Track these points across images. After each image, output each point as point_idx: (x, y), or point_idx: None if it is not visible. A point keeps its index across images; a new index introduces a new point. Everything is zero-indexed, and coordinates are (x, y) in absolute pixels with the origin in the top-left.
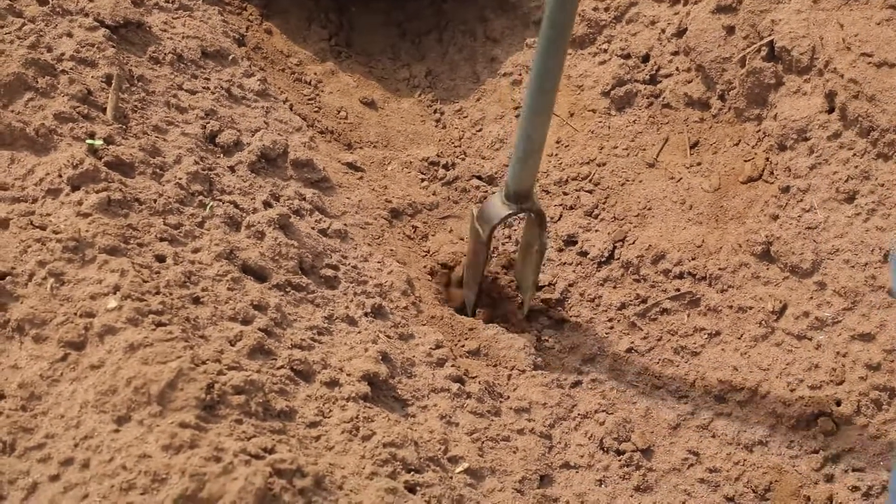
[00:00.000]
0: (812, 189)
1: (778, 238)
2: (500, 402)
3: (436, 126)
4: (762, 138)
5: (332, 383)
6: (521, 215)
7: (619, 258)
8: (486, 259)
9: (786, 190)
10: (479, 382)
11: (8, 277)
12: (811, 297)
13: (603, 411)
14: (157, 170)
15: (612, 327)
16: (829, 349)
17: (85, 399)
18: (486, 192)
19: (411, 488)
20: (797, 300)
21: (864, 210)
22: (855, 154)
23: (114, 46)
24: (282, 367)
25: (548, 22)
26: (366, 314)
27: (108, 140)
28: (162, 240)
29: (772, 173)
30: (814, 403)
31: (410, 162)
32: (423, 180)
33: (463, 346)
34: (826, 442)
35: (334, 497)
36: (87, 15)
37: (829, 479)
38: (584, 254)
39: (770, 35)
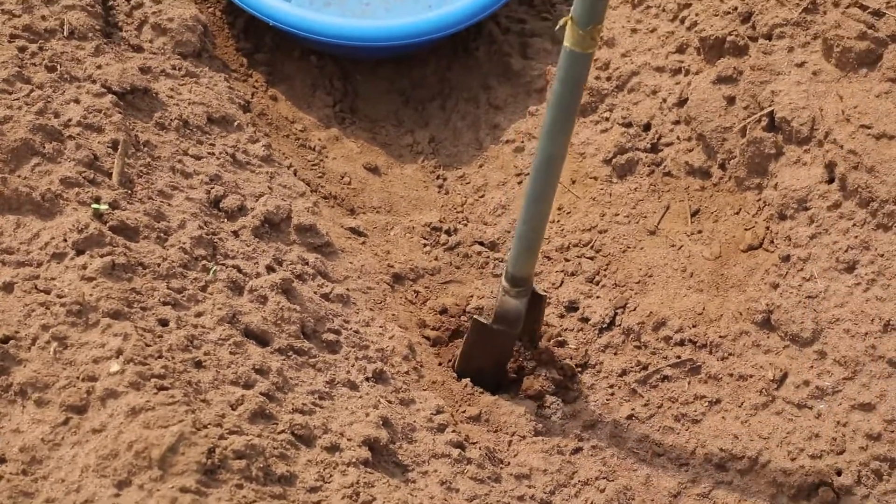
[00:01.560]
0: (812, 258)
1: (778, 307)
2: (501, 468)
3: (438, 192)
4: (762, 207)
5: (333, 448)
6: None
7: (620, 325)
8: (509, 357)
9: (786, 259)
10: (480, 448)
11: (11, 341)
12: (811, 366)
13: (603, 478)
14: (162, 234)
15: (612, 394)
16: (829, 418)
17: (86, 463)
18: (489, 257)
19: None
20: (797, 369)
21: (864, 280)
22: (855, 224)
23: (120, 112)
24: (283, 431)
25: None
26: (367, 379)
27: (114, 205)
28: (165, 304)
29: (772, 242)
30: (814, 473)
31: (413, 227)
32: (425, 245)
33: (464, 411)
34: None
35: None
36: (94, 81)
37: None
38: (585, 320)
39: (770, 105)
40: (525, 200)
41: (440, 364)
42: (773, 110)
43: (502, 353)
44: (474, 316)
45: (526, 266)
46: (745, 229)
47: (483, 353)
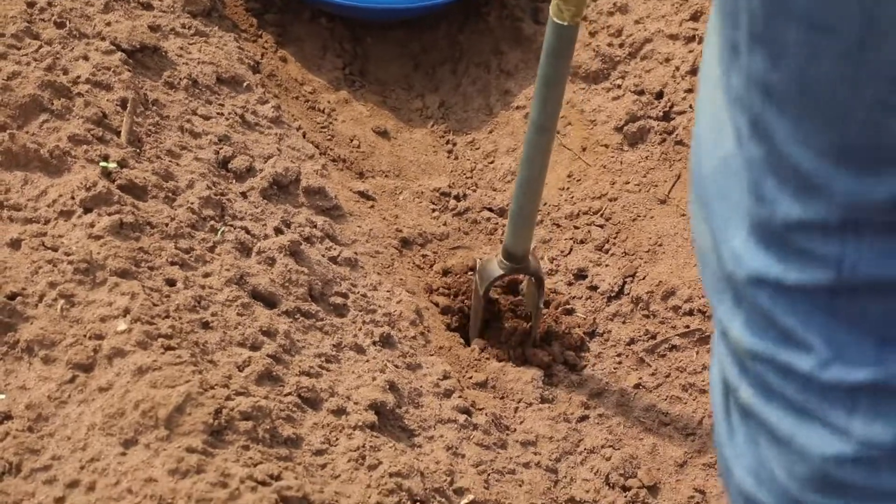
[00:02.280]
0: None
1: None
2: (507, 434)
3: (448, 157)
4: None
5: (340, 411)
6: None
7: (628, 293)
8: (483, 314)
9: None
10: (486, 414)
11: (18, 298)
12: None
13: (609, 447)
14: (170, 194)
15: (620, 363)
16: None
17: (92, 421)
18: (497, 223)
19: None
20: None
21: None
22: None
23: (129, 70)
24: (289, 393)
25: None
26: (374, 343)
27: (122, 163)
28: (173, 264)
29: None
30: None
31: (422, 192)
32: (434, 210)
33: (470, 377)
34: None
35: None
36: (103, 38)
37: None
38: (593, 288)
39: None
40: (518, 178)
41: (448, 327)
42: None
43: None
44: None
45: (522, 242)
46: None
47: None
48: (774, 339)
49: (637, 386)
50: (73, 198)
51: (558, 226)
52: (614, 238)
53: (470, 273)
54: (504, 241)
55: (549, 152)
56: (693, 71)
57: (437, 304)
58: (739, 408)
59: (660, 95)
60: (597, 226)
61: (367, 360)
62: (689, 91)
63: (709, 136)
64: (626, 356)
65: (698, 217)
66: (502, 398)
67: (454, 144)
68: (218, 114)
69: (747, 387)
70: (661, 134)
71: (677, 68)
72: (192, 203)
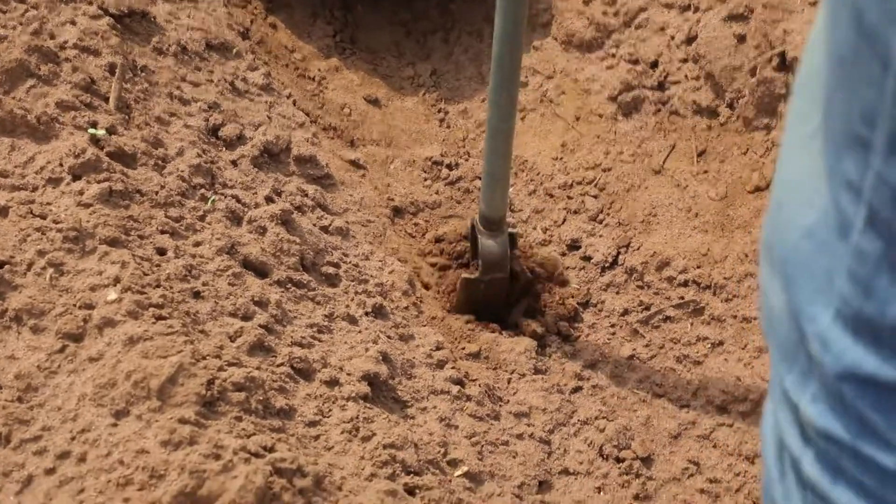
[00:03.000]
0: None
1: None
2: (500, 405)
3: (440, 126)
4: (770, 148)
5: (332, 382)
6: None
7: (622, 264)
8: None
9: None
10: (480, 385)
11: (6, 266)
12: None
13: (603, 418)
14: (160, 161)
15: (614, 333)
16: None
17: (83, 392)
18: None
19: (411, 491)
20: None
21: None
22: None
23: (118, 36)
24: (282, 364)
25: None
26: (366, 313)
27: (111, 130)
28: (163, 232)
29: None
30: None
31: (414, 161)
32: (426, 179)
33: (463, 348)
34: None
35: (334, 498)
36: (91, 3)
37: None
38: (587, 258)
39: (782, 45)
40: (486, 135)
41: (439, 292)
42: (784, 50)
43: (496, 295)
44: (463, 275)
45: (497, 206)
46: (752, 170)
47: (479, 302)
48: (853, 429)
49: (631, 357)
50: (61, 165)
51: (551, 196)
52: (608, 208)
53: (464, 240)
54: (484, 209)
55: (514, 116)
56: (688, 40)
57: (434, 266)
58: (797, 474)
59: (655, 65)
60: (591, 196)
61: (360, 331)
62: (684, 61)
63: (792, 197)
64: (620, 327)
65: (772, 278)
66: (495, 369)
67: (446, 113)
68: (207, 80)
69: (813, 461)
70: (655, 104)
71: (672, 38)
72: (181, 171)
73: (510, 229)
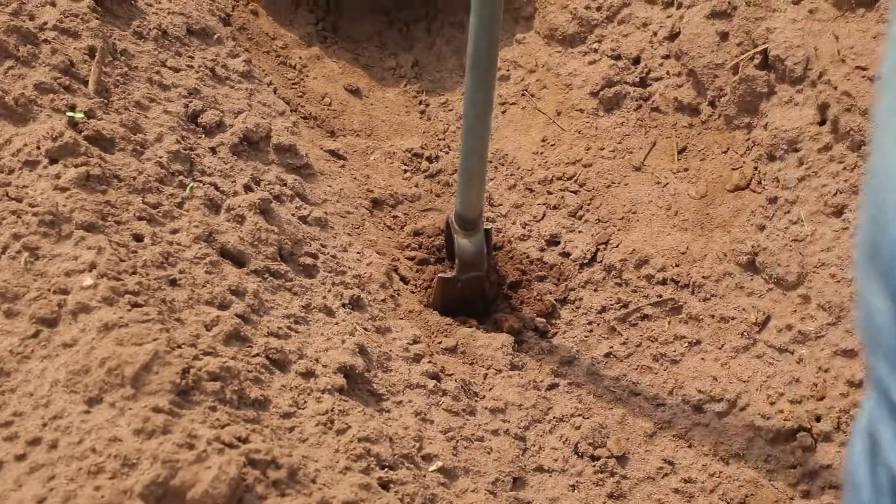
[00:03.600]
0: (800, 201)
1: (764, 249)
2: (476, 401)
3: (420, 117)
4: (751, 147)
5: (308, 374)
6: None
7: (601, 261)
8: (482, 293)
9: (773, 200)
10: (456, 380)
11: None
12: (795, 311)
13: (579, 416)
14: (138, 147)
15: (591, 331)
16: (811, 364)
17: (55, 378)
18: None
19: (384, 485)
20: (780, 312)
21: (852, 224)
22: (845, 168)
23: (98, 18)
24: (257, 354)
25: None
26: (343, 305)
27: (89, 114)
28: (140, 219)
29: (759, 183)
30: (793, 418)
31: (394, 153)
32: (405, 171)
33: (440, 342)
34: (804, 457)
35: (308, 490)
36: None
37: (806, 495)
38: (566, 255)
39: (764, 43)
40: (462, 134)
41: (417, 286)
42: (766, 48)
43: (474, 293)
44: (439, 275)
45: (473, 205)
46: (733, 169)
47: (457, 300)
48: None
49: (608, 355)
50: (38, 148)
51: (531, 190)
52: (588, 204)
53: (442, 235)
54: (460, 209)
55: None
56: (671, 36)
57: (412, 259)
58: (889, 473)
59: (637, 61)
60: (570, 192)
61: (337, 323)
62: (667, 57)
63: None
64: (598, 324)
65: (874, 280)
66: (472, 364)
67: (427, 105)
68: (188, 66)
69: None
70: (637, 100)
71: (655, 34)
72: (160, 157)
73: (486, 225)
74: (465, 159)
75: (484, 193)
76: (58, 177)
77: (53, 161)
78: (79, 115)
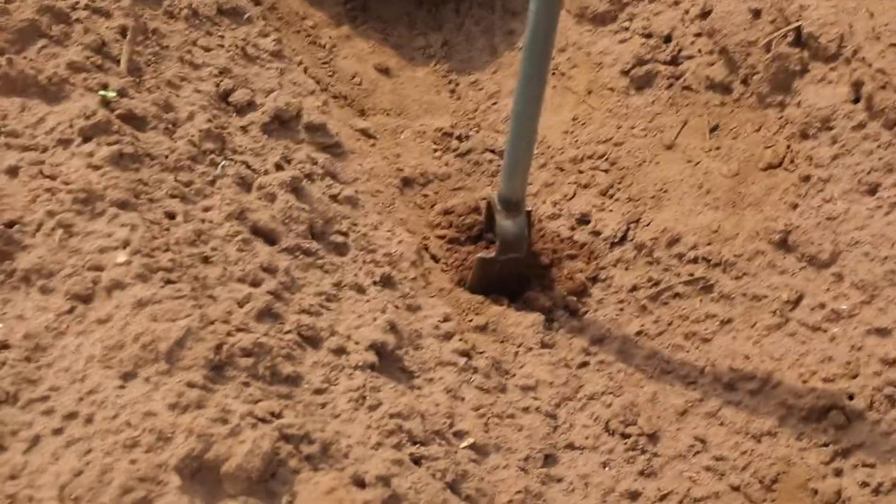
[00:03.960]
0: (833, 179)
1: (797, 227)
2: (507, 378)
3: (450, 97)
4: (784, 125)
5: (340, 351)
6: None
7: (632, 239)
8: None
9: (806, 179)
10: (486, 358)
11: (16, 226)
12: (828, 289)
13: (610, 393)
14: (170, 125)
15: (622, 309)
16: (843, 342)
17: (91, 353)
18: (500, 165)
19: (416, 460)
20: (813, 291)
21: (886, 203)
22: (879, 146)
23: None
24: (289, 331)
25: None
26: (374, 283)
27: (121, 92)
28: (173, 196)
29: (792, 161)
30: (826, 396)
31: (424, 132)
32: (435, 151)
33: (471, 320)
34: (837, 436)
35: (340, 465)
36: None
37: (839, 473)
38: (596, 233)
39: (798, 20)
40: (511, 118)
41: (448, 265)
42: (800, 25)
43: (511, 274)
44: (479, 255)
45: (517, 188)
46: (766, 147)
47: (495, 281)
48: None
49: (639, 333)
50: (71, 126)
51: (562, 169)
52: (619, 183)
53: (473, 213)
54: (504, 191)
55: (544, 87)
56: (703, 14)
57: (443, 238)
58: None
59: (668, 39)
60: (601, 170)
61: (368, 300)
62: (698, 35)
63: None
64: (629, 303)
65: None
66: (502, 342)
67: (457, 84)
68: (218, 45)
69: None
70: (668, 78)
71: (687, 12)
72: (192, 135)
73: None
74: (512, 144)
75: (528, 176)
76: (91, 155)
77: (87, 139)
78: (111, 94)
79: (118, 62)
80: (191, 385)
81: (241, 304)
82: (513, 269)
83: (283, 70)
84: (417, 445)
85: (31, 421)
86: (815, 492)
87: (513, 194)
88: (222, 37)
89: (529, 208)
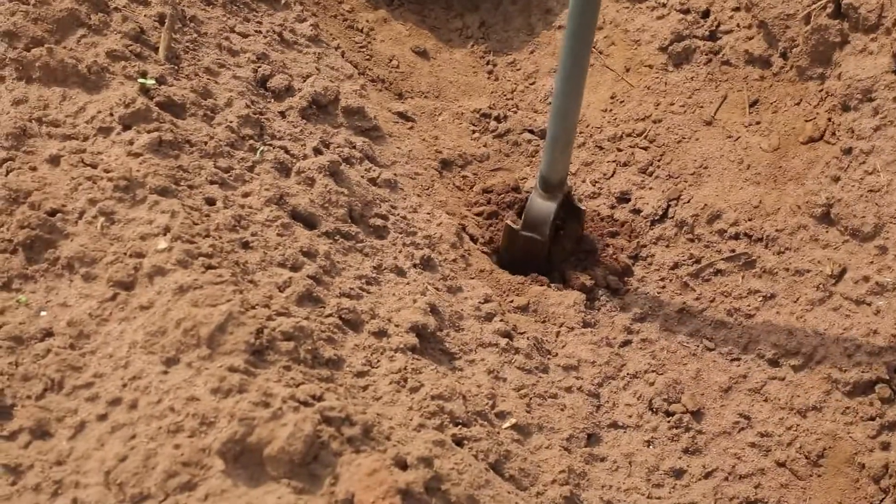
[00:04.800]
0: (875, 151)
1: (839, 200)
2: (549, 358)
3: (488, 78)
4: (825, 98)
5: (381, 333)
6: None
7: (673, 217)
8: (546, 254)
9: (848, 151)
10: (528, 338)
11: (58, 214)
12: (871, 262)
13: (653, 371)
14: (209, 112)
15: (664, 287)
16: (888, 315)
17: (134, 339)
18: (539, 145)
19: (458, 442)
20: (857, 264)
21: None
22: None
23: None
24: (330, 315)
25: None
26: (414, 265)
27: (160, 80)
28: (212, 183)
29: (833, 134)
30: (871, 370)
31: (462, 113)
32: (474, 132)
33: (512, 301)
34: (882, 409)
35: (382, 447)
36: None
37: (886, 447)
38: (637, 211)
39: None
40: (554, 98)
41: (486, 240)
42: None
43: (532, 254)
44: (507, 221)
45: (558, 168)
46: (806, 120)
47: (518, 253)
48: None
49: (681, 311)
50: (111, 114)
51: (601, 148)
52: (658, 160)
53: (512, 192)
54: (544, 171)
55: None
56: None
57: (481, 215)
58: None
59: (706, 14)
60: (640, 148)
61: (408, 283)
62: (736, 9)
63: None
64: (670, 280)
65: None
66: (544, 322)
67: (494, 65)
68: (256, 31)
69: None
70: (706, 54)
71: None
72: (230, 122)
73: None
74: (554, 123)
75: (570, 158)
76: (131, 143)
77: (126, 127)
78: (150, 82)
79: (156, 50)
80: (232, 370)
81: (281, 289)
82: (534, 248)
83: (320, 55)
84: (459, 426)
85: (75, 408)
86: (863, 466)
87: (552, 175)
88: (260, 22)
89: (583, 208)
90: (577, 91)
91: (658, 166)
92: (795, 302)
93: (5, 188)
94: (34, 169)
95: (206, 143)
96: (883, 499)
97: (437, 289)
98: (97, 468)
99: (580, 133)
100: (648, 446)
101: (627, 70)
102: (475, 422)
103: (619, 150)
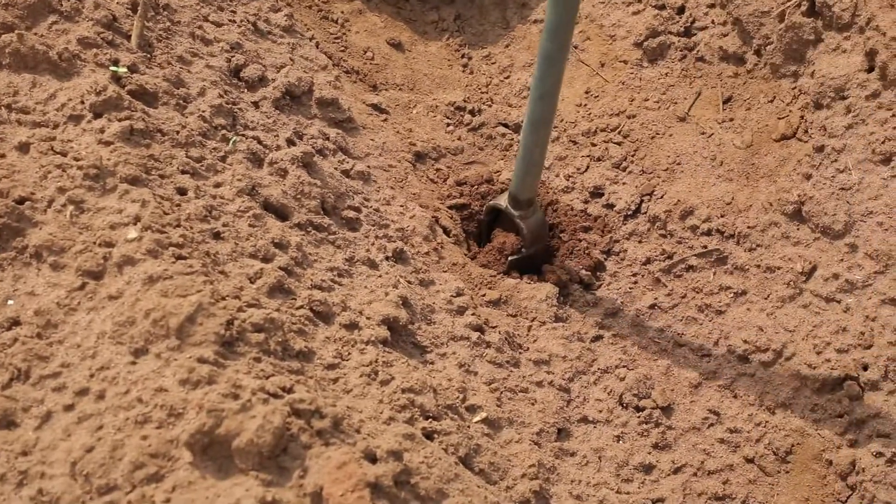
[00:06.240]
0: (847, 149)
1: (810, 198)
2: (520, 353)
3: (463, 71)
4: (798, 96)
5: (352, 326)
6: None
7: (646, 212)
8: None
9: (820, 149)
10: (499, 332)
11: (27, 203)
12: (842, 260)
13: (623, 367)
14: (181, 101)
15: (635, 282)
16: (858, 313)
17: (102, 329)
18: (513, 140)
19: (429, 435)
20: (827, 262)
21: None
22: (893, 115)
23: None
24: (301, 307)
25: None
26: (387, 258)
27: (132, 68)
28: (184, 172)
29: (806, 132)
30: (840, 367)
31: (436, 106)
32: (448, 125)
33: (484, 295)
34: (851, 406)
35: (352, 440)
36: None
37: (853, 444)
38: (610, 206)
39: None
40: (525, 122)
41: (458, 238)
42: None
43: (541, 258)
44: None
45: (529, 188)
46: (779, 118)
47: (528, 264)
48: None
49: (652, 306)
50: (82, 102)
51: (575, 143)
52: (632, 156)
53: (486, 184)
54: (514, 189)
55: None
56: None
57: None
58: None
59: (681, 10)
60: (614, 143)
61: (380, 276)
62: (711, 6)
63: None
64: (642, 276)
65: None
66: (516, 316)
67: (469, 58)
68: (230, 21)
69: None
70: (681, 50)
71: None
72: (203, 111)
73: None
74: (526, 149)
75: (540, 177)
76: (102, 131)
77: (97, 115)
78: (122, 70)
79: (129, 38)
80: (202, 361)
81: (252, 280)
82: (543, 254)
83: (294, 45)
84: (430, 420)
85: (42, 398)
86: (830, 463)
87: (524, 194)
88: (234, 12)
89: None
90: (549, 119)
91: (632, 161)
92: (766, 299)
93: None
94: (2, 156)
95: (178, 132)
96: (850, 495)
97: (409, 282)
98: (63, 459)
99: (554, 127)
100: (618, 441)
101: (602, 65)
102: (445, 415)
103: (594, 144)
